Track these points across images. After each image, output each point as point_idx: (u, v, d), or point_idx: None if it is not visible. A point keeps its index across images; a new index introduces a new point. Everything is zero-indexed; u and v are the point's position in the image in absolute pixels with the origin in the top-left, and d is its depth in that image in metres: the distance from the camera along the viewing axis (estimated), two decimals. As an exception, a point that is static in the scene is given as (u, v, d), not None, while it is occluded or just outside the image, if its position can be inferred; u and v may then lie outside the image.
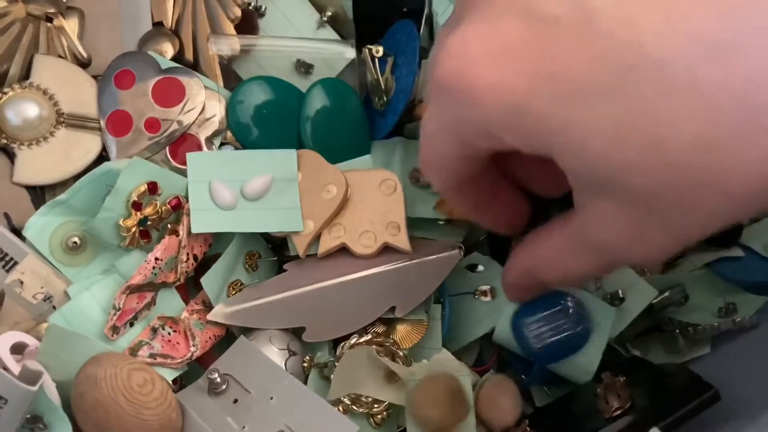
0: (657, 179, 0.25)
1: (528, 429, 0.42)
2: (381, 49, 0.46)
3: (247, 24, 0.49)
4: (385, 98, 0.46)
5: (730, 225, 0.26)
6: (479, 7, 0.28)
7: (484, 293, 0.45)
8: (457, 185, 0.34)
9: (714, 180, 0.24)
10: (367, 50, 0.46)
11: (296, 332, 0.43)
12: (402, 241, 0.43)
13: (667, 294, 0.45)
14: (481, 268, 0.46)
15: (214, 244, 0.45)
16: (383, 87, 0.46)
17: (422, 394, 0.40)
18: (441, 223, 0.45)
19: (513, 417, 0.41)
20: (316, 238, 0.44)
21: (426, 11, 0.48)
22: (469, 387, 0.40)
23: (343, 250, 0.44)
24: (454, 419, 0.40)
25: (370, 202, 0.44)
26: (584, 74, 0.25)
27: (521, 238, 0.36)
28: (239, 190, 0.43)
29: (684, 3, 0.23)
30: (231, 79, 0.48)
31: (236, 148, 0.47)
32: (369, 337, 0.43)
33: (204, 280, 0.42)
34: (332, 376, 0.41)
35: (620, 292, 0.45)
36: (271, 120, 0.46)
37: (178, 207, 0.43)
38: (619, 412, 0.42)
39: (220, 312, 0.43)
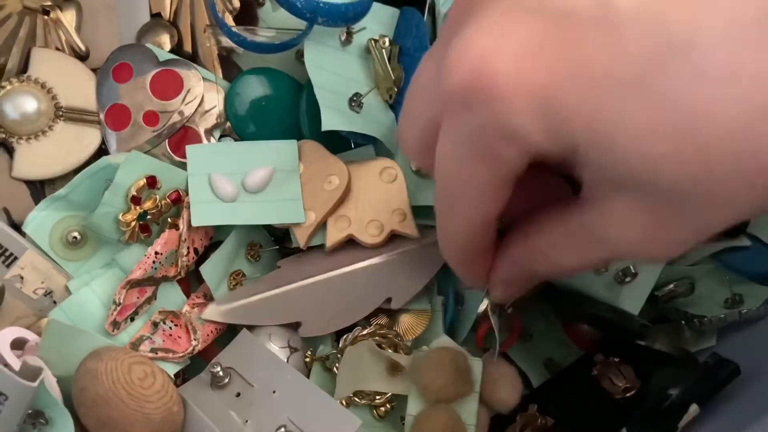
0: (689, 169, 0.23)
1: (537, 414, 0.42)
2: (387, 39, 0.45)
3: (247, 14, 0.48)
4: (396, 89, 0.45)
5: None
6: (486, 7, 0.26)
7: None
8: (487, 223, 0.31)
9: (749, 168, 0.23)
10: (372, 41, 0.45)
11: (295, 328, 0.43)
12: (409, 227, 0.43)
13: (671, 287, 0.44)
14: None
15: (216, 236, 0.45)
16: (392, 78, 0.45)
17: (429, 360, 0.40)
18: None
19: (515, 399, 0.41)
20: (318, 229, 0.43)
21: (429, 0, 0.47)
22: (479, 370, 0.40)
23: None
24: (455, 391, 0.40)
25: (373, 191, 0.44)
26: (610, 63, 0.23)
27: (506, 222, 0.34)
28: (240, 182, 0.43)
29: None
30: (231, 70, 0.47)
31: (236, 140, 0.46)
32: (372, 329, 0.43)
33: (203, 269, 0.42)
34: (337, 376, 0.41)
35: (631, 267, 0.43)
36: (269, 112, 0.46)
37: (178, 201, 0.43)
38: (633, 392, 0.41)
39: (213, 310, 0.42)
